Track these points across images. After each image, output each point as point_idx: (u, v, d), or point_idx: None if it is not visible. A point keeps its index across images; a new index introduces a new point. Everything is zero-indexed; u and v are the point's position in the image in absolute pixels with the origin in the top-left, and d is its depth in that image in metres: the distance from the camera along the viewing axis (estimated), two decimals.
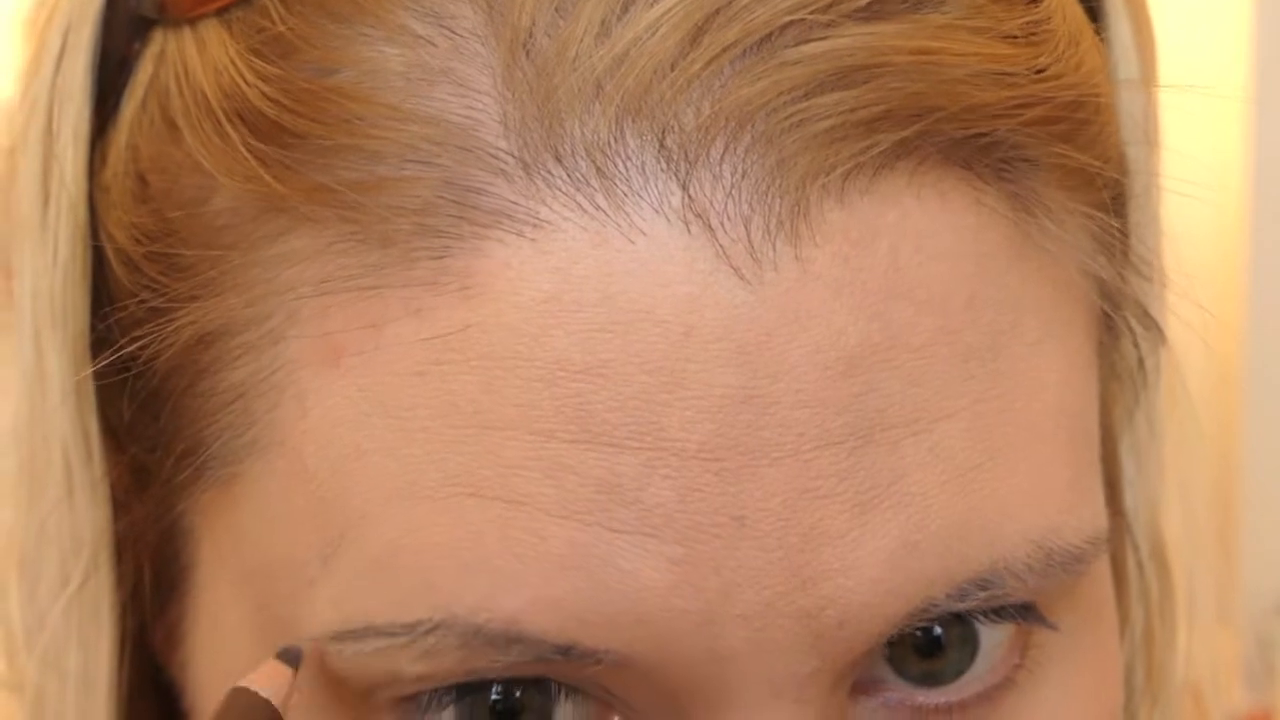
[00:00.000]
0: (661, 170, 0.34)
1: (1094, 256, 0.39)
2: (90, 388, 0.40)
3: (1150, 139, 0.42)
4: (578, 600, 0.34)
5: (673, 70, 0.34)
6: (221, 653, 0.40)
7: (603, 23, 0.34)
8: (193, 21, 0.37)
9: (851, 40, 0.34)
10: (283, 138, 0.35)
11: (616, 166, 0.34)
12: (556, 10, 0.34)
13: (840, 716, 0.37)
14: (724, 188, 0.34)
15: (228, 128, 0.36)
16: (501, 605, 0.34)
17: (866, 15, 0.34)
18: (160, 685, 0.44)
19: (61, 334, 0.40)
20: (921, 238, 0.35)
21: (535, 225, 0.34)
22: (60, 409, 0.41)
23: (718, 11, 0.34)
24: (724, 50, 0.34)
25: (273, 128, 0.35)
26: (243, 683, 0.35)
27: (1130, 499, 0.45)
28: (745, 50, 0.34)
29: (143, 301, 0.38)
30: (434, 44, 0.35)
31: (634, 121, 0.34)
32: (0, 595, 0.43)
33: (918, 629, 0.37)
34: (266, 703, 0.35)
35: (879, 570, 0.35)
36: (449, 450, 0.34)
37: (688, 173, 0.34)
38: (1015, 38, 0.36)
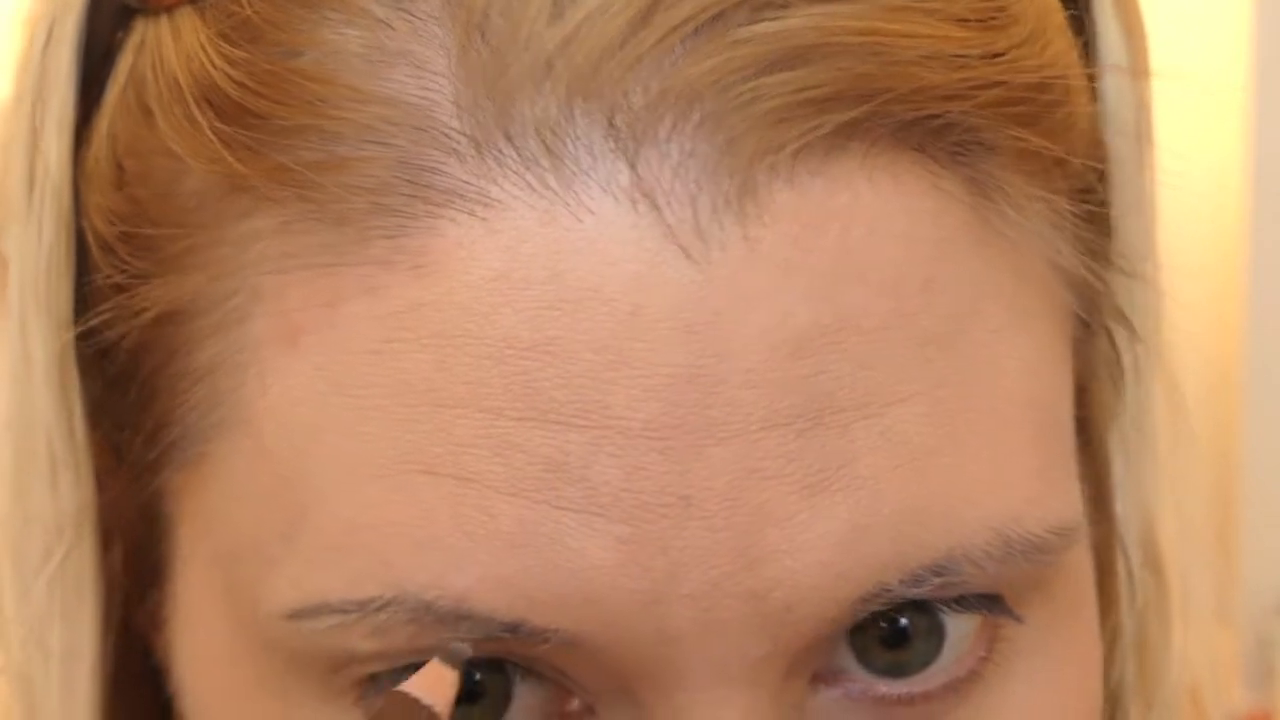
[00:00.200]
0: (610, 149, 0.34)
1: (1061, 246, 0.39)
2: (73, 368, 0.41)
3: (1140, 131, 0.42)
4: (526, 578, 0.34)
5: (622, 49, 0.34)
6: (198, 636, 0.40)
7: (555, 3, 0.34)
8: (170, 10, 0.38)
9: (802, 20, 0.34)
10: (245, 119, 0.36)
11: (565, 146, 0.34)
12: None
13: (798, 705, 0.37)
14: (671, 166, 0.34)
15: (196, 111, 0.36)
16: (452, 583, 0.34)
17: None
18: (152, 670, 0.44)
19: (46, 318, 0.40)
20: (875, 220, 0.35)
21: (486, 204, 0.34)
22: (43, 388, 0.41)
23: None
24: (674, 29, 0.34)
25: (237, 110, 0.36)
26: (403, 687, 0.35)
27: (1120, 501, 0.45)
28: (695, 29, 0.34)
29: (111, 279, 0.38)
30: (393, 26, 0.35)
31: (583, 100, 0.34)
32: None
33: (882, 619, 0.37)
34: (429, 710, 0.35)
35: (827, 553, 0.35)
36: (402, 428, 0.35)
37: (635, 151, 0.34)
38: (970, 20, 0.36)
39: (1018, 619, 0.38)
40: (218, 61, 0.36)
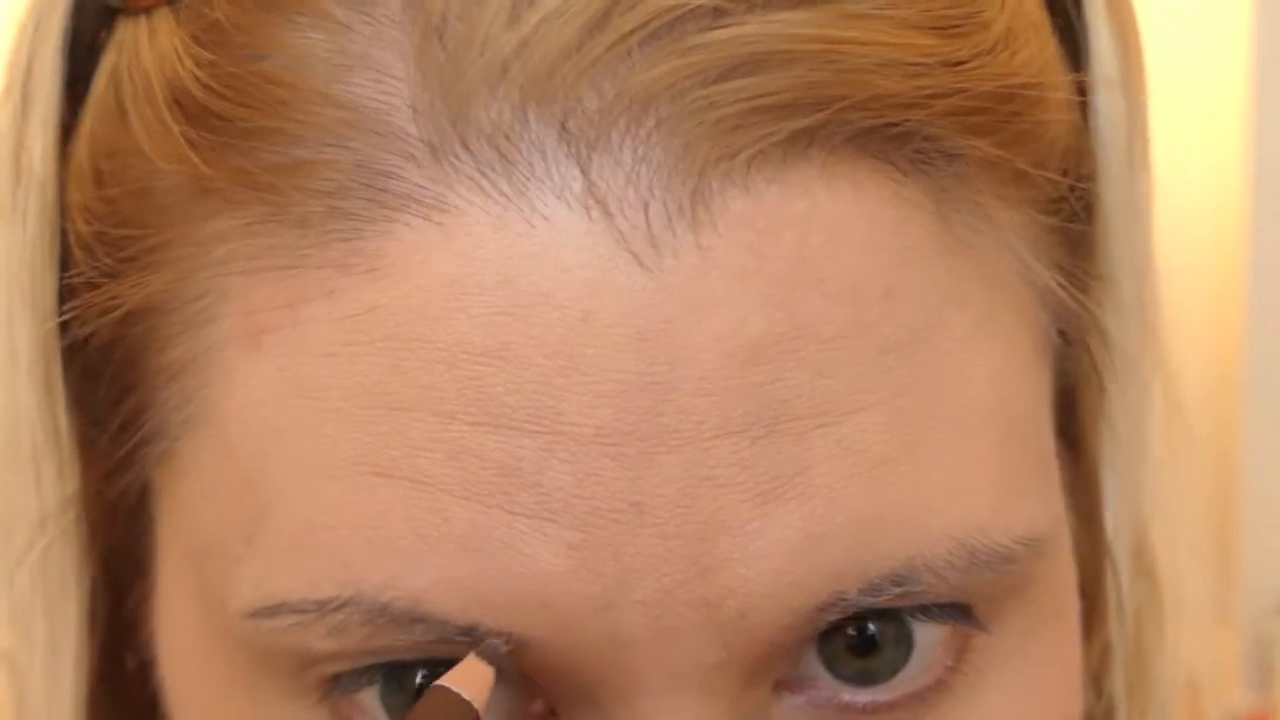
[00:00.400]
0: (563, 154, 0.34)
1: (1034, 255, 0.38)
2: (57, 362, 0.41)
3: (1132, 138, 0.42)
4: (480, 582, 0.34)
5: (578, 53, 0.34)
6: (176, 632, 0.41)
7: (512, 7, 0.34)
8: (149, 10, 0.38)
9: (756, 28, 0.34)
10: (211, 121, 0.36)
11: (519, 151, 0.34)
12: None
13: (760, 712, 0.37)
14: (624, 172, 0.34)
15: (166, 112, 0.36)
16: (407, 585, 0.35)
17: (775, 4, 0.34)
18: (142, 664, 0.44)
19: (30, 313, 0.41)
20: (833, 228, 0.35)
21: (442, 209, 0.34)
22: (27, 382, 0.41)
23: None
24: (629, 34, 0.34)
25: (203, 112, 0.36)
26: (442, 681, 0.35)
27: (1111, 512, 0.45)
28: (651, 35, 0.34)
29: (87, 276, 0.39)
30: (355, 30, 0.35)
31: (537, 105, 0.34)
32: None
33: (851, 627, 0.37)
34: (468, 704, 0.35)
35: (781, 561, 0.35)
36: (359, 430, 0.35)
37: (588, 157, 0.34)
38: (933, 27, 0.36)
39: (981, 628, 0.38)
40: (187, 63, 0.36)
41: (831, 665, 0.37)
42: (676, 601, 0.34)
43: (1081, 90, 0.41)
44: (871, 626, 0.37)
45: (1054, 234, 0.39)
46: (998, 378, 0.37)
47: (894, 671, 0.37)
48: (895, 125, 0.35)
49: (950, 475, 0.36)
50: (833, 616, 0.36)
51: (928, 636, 0.37)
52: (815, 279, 0.35)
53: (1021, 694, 0.39)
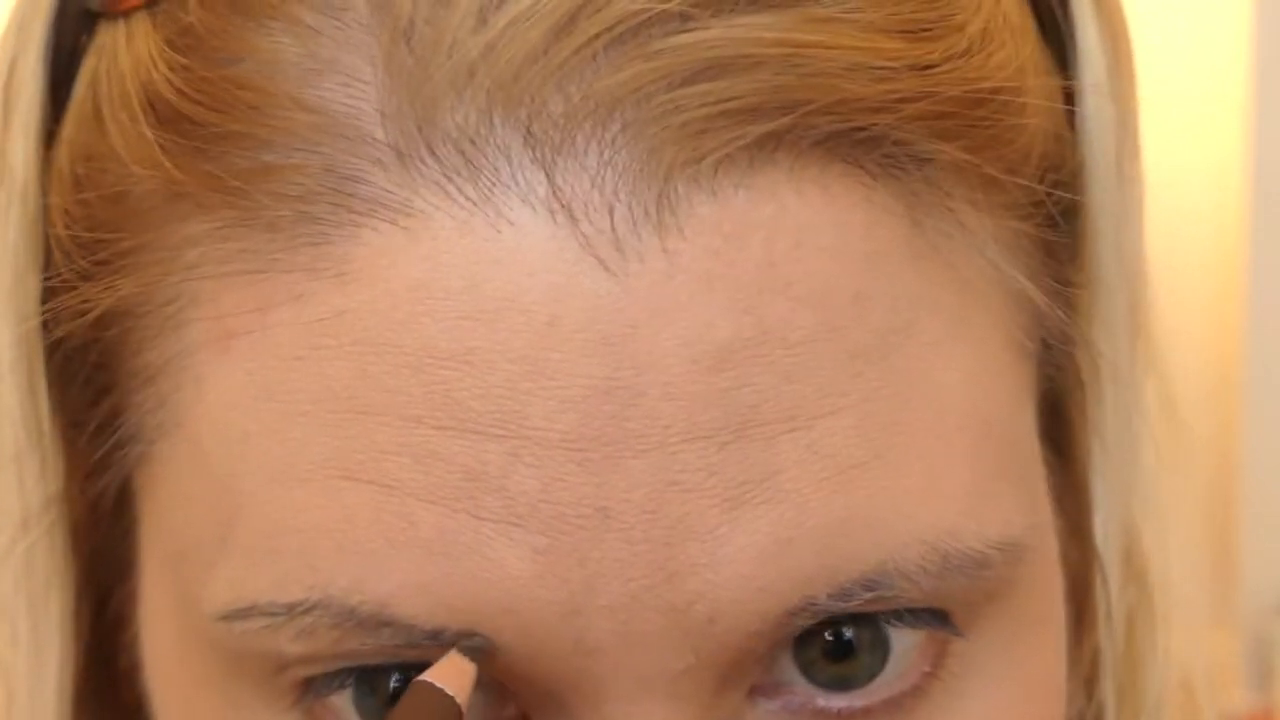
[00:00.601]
0: (529, 159, 0.34)
1: (1010, 260, 0.38)
2: (40, 363, 0.41)
3: (1121, 140, 0.42)
4: (446, 586, 0.34)
5: (544, 57, 0.34)
6: (155, 633, 0.41)
7: (480, 11, 0.34)
8: (127, 15, 0.38)
9: (721, 32, 0.34)
10: (183, 125, 0.36)
11: (484, 155, 0.34)
12: (438, 0, 0.34)
13: (733, 718, 0.36)
14: (589, 176, 0.34)
15: (139, 116, 0.37)
16: (374, 588, 0.35)
17: (741, 8, 0.34)
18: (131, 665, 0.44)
19: (13, 314, 0.41)
20: (801, 232, 0.35)
21: (408, 214, 0.34)
22: (10, 382, 0.41)
23: (591, 0, 0.34)
24: (595, 37, 0.34)
25: (175, 116, 0.36)
26: (424, 676, 0.35)
27: (1100, 517, 0.44)
28: (616, 39, 0.34)
29: (64, 279, 0.39)
30: (325, 35, 0.35)
31: (503, 109, 0.34)
32: None
33: (827, 631, 0.37)
34: (450, 699, 0.35)
35: (749, 566, 0.34)
36: (326, 434, 0.35)
37: (553, 161, 0.34)
38: (902, 31, 0.35)
39: (957, 634, 0.37)
40: (161, 67, 0.36)
41: (807, 671, 0.37)
42: (643, 607, 0.34)
43: (1069, 95, 0.41)
44: (847, 632, 0.37)
45: (1029, 239, 0.39)
46: (970, 382, 0.37)
47: (870, 677, 0.37)
48: (863, 129, 0.35)
49: (921, 479, 0.36)
50: (804, 621, 0.36)
51: (904, 642, 0.37)
52: (783, 283, 0.34)
53: (1002, 701, 0.38)
